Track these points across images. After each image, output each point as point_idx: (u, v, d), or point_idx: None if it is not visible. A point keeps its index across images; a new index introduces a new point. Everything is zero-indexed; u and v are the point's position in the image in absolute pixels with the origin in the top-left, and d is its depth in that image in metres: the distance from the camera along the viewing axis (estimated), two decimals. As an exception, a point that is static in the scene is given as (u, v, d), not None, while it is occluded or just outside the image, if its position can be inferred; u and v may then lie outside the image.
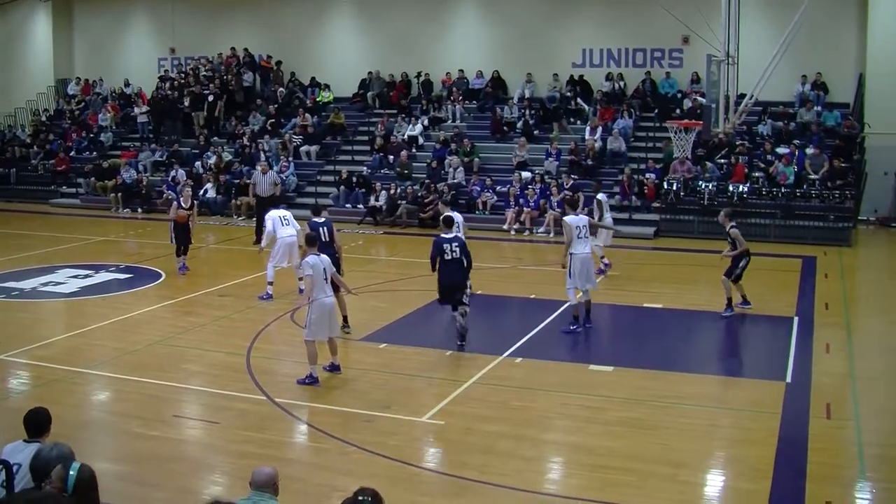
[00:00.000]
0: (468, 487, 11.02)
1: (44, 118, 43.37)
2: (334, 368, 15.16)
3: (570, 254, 17.60)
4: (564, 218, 18.31)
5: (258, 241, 25.32)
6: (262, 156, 34.01)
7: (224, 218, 33.25)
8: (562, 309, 19.04)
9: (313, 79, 39.63)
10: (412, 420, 13.35)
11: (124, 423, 13.03)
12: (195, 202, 24.36)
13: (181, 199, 23.57)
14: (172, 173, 35.53)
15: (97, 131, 41.19)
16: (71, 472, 6.20)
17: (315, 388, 14.65)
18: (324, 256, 15.02)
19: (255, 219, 28.44)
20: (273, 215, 21.00)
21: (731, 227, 18.91)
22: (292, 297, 20.52)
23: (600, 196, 22.82)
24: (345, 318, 17.72)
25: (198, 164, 36.11)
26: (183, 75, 40.95)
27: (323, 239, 17.54)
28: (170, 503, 10.92)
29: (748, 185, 28.91)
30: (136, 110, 40.32)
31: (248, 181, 31.40)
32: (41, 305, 20.48)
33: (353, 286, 18.41)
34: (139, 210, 34.95)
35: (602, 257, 22.64)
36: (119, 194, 35.60)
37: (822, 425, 12.93)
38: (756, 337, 18.75)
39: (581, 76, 35.46)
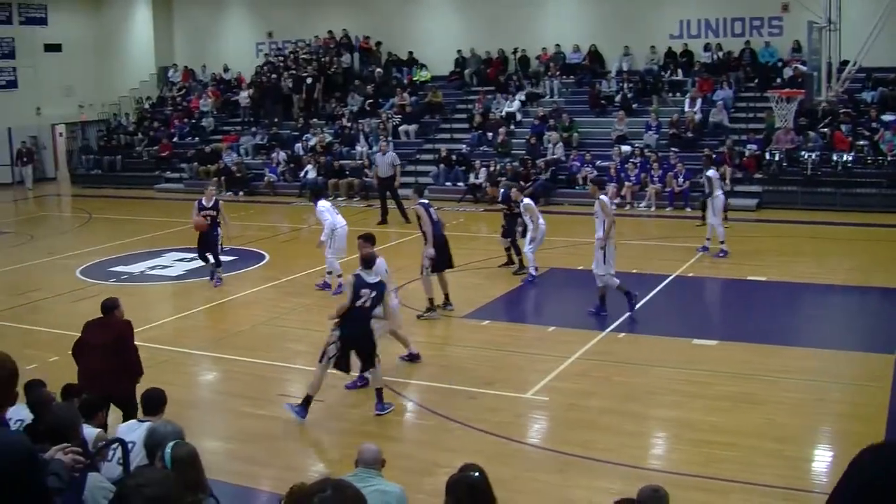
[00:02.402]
0: (571, 463, 11.04)
1: (147, 106, 44.17)
2: (413, 357, 14.80)
3: (609, 238, 17.05)
4: (602, 197, 17.43)
5: (384, 220, 27.04)
6: (381, 137, 34.35)
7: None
8: (665, 283, 18.96)
9: (411, 54, 39.60)
10: (516, 396, 13.41)
11: (232, 403, 13.30)
12: (219, 202, 20.99)
13: (203, 198, 20.73)
14: (273, 155, 36.07)
15: (199, 117, 41.86)
16: (166, 451, 6.37)
17: (419, 366, 14.76)
18: (381, 258, 13.78)
19: (379, 200, 28.86)
20: (326, 205, 20.09)
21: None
22: (396, 275, 20.61)
23: (710, 172, 21.95)
24: (446, 296, 17.82)
25: (298, 146, 36.49)
26: (281, 59, 41.39)
27: (434, 219, 17.55)
28: (277, 480, 11.09)
29: (852, 154, 28.30)
30: (241, 94, 40.84)
31: (344, 163, 32.04)
32: (149, 289, 20.91)
33: (455, 263, 18.46)
34: (240, 193, 35.45)
35: (722, 242, 21.72)
36: (222, 178, 36.14)
37: (933, 398, 12.71)
38: (864, 309, 18.37)
39: (681, 47, 34.97)
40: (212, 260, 20.63)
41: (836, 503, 3.54)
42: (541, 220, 20.06)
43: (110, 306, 11.49)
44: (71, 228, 31.65)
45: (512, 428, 12.25)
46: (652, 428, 12.47)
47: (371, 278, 12.79)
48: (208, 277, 20.87)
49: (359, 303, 12.57)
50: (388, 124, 36.00)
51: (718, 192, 21.70)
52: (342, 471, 8.67)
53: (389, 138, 34.55)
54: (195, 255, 21.16)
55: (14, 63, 42.73)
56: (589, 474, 10.81)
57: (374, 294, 12.62)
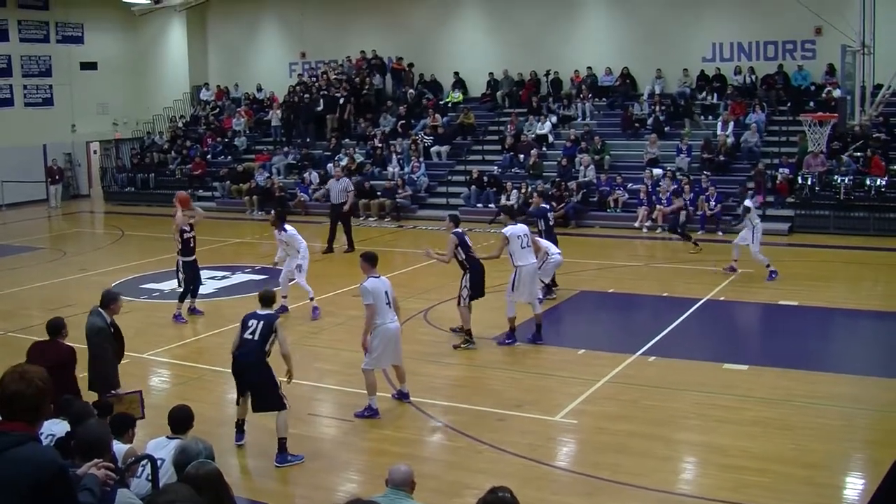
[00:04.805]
0: (600, 487, 11.00)
1: (180, 124, 44.52)
2: (403, 396, 14.22)
3: (516, 266, 16.81)
4: (503, 230, 17.28)
5: (329, 249, 26.29)
6: (384, 156, 34.35)
7: (355, 219, 33.50)
8: (696, 307, 18.95)
9: (457, 74, 39.74)
10: (545, 419, 13.39)
11: (261, 421, 13.27)
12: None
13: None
14: (305, 175, 36.22)
15: (231, 136, 42.15)
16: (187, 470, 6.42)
17: (449, 387, 14.78)
18: (383, 278, 13.78)
19: (330, 226, 27.91)
20: (295, 230, 20.25)
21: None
22: (426, 296, 20.64)
23: (748, 202, 21.89)
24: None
25: (329, 165, 36.59)
26: (314, 79, 41.61)
27: (470, 249, 17.20)
28: (306, 499, 11.14)
29: (886, 178, 28.11)
30: (272, 113, 41.07)
31: (376, 183, 31.97)
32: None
33: (486, 286, 18.45)
34: (272, 212, 35.48)
35: (768, 265, 21.61)
36: (254, 197, 36.38)
37: (966, 426, 12.60)
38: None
39: (714, 71, 34.91)
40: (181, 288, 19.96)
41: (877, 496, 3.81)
42: (553, 251, 19.68)
43: (58, 326, 11.41)
44: (104, 245, 31.84)
45: (541, 451, 12.23)
46: (681, 452, 12.40)
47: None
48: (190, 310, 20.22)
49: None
50: (420, 145, 36.09)
51: (757, 221, 21.65)
52: (371, 491, 8.68)
53: (421, 158, 34.75)
54: (227, 272, 21.16)
55: (50, 81, 43.30)
56: (618, 498, 10.77)
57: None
